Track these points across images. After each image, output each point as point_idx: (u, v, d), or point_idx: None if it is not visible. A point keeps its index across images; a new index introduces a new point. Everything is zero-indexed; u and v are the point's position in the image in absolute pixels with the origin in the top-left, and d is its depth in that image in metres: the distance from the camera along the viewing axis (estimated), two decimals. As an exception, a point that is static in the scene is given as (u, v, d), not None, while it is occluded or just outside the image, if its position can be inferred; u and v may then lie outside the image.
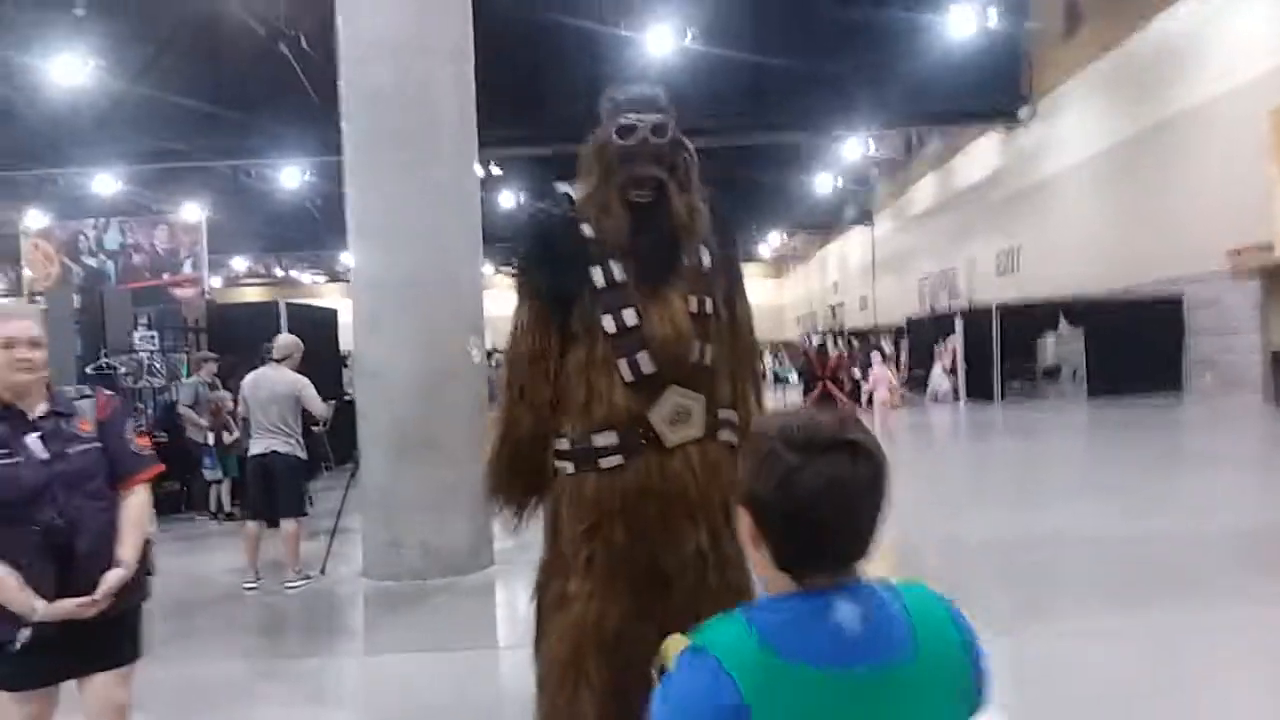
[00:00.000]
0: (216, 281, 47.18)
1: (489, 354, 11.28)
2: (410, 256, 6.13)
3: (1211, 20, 18.32)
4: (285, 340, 6.39)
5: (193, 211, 22.12)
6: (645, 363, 2.64)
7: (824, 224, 43.14)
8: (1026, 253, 26.88)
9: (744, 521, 1.20)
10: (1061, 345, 23.23)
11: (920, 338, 23.02)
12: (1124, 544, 6.62)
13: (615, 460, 2.65)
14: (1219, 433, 14.15)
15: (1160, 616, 4.86)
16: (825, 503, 1.13)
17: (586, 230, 2.72)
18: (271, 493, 6.30)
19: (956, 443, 15.39)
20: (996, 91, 26.01)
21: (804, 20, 22.77)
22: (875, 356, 15.88)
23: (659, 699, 1.17)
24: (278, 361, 6.29)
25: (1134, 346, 19.34)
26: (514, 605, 6.00)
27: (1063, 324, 21.28)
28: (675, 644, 1.22)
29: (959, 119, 27.93)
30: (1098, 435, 14.97)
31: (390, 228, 6.15)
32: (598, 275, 2.69)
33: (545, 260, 2.78)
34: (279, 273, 49.43)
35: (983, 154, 29.67)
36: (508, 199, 30.91)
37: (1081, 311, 20.76)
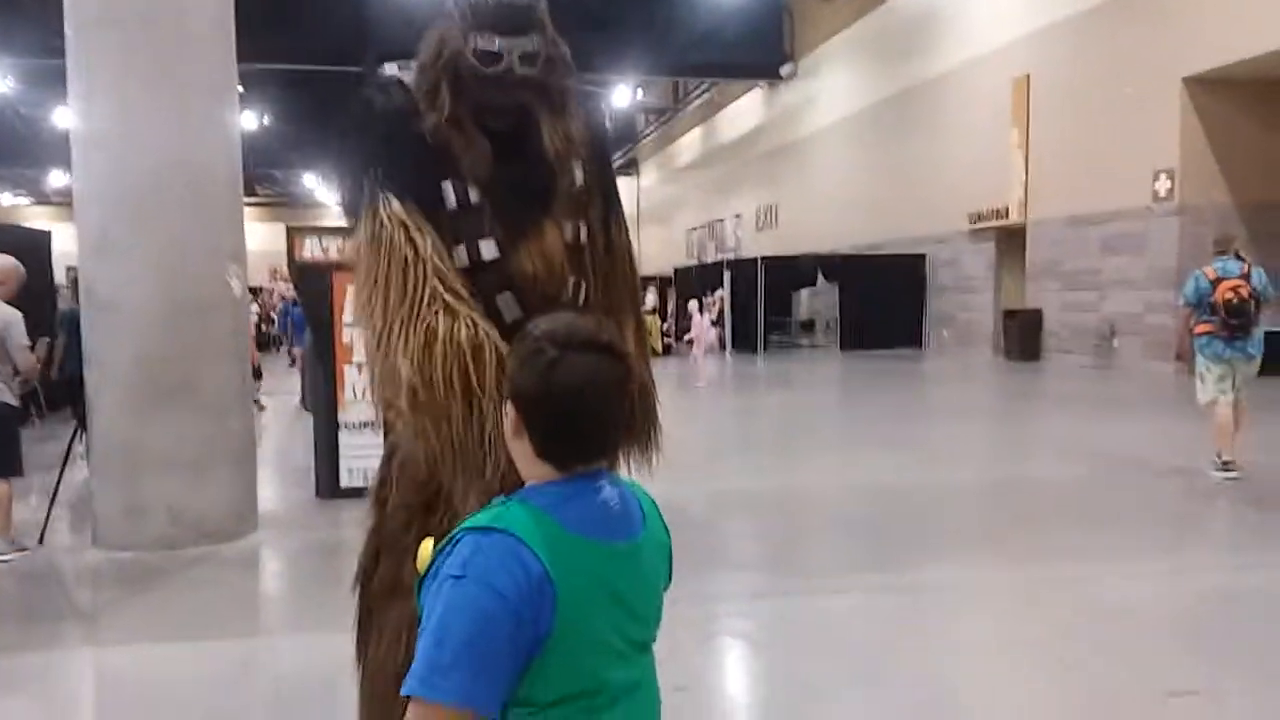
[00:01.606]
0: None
1: (254, 292, 10.09)
2: (150, 165, 5.08)
3: (961, -8, 19.42)
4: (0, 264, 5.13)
5: None
6: (509, 307, 2.10)
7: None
8: (785, 208, 27.87)
9: (509, 416, 1.29)
10: (816, 299, 24.29)
11: (687, 288, 23.29)
12: (884, 496, 6.73)
13: None
14: (961, 384, 15.18)
15: (915, 575, 4.79)
16: (582, 395, 1.24)
17: (429, 137, 2.11)
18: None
19: (725, 394, 15.61)
20: (760, 47, 26.63)
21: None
22: (693, 305, 15.86)
23: (448, 585, 1.19)
24: (-15, 291, 5.06)
25: (882, 302, 20.48)
26: (285, 580, 5.23)
27: (819, 278, 22.19)
28: (429, 549, 1.29)
29: (724, 72, 28.39)
30: (855, 387, 15.65)
31: (125, 130, 5.06)
32: (449, 192, 2.10)
33: (395, 156, 2.11)
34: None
35: (747, 109, 30.37)
36: (250, 120, 28.39)
37: (836, 267, 21.71)
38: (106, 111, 5.10)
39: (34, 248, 9.98)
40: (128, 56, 5.07)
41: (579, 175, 2.23)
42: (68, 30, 5.13)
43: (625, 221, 2.41)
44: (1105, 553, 5.10)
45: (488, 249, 2.10)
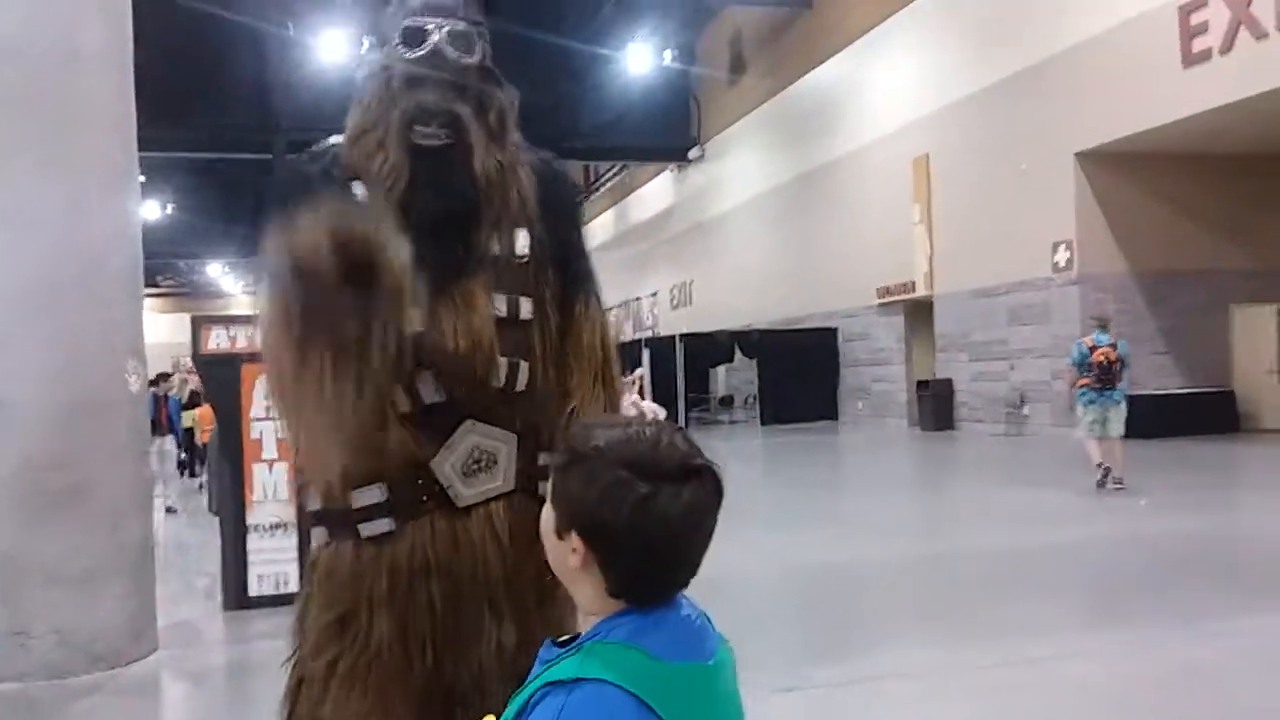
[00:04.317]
0: None
1: (153, 382, 9.55)
2: (41, 253, 4.70)
3: (859, 76, 20.16)
4: None
5: None
6: (429, 388, 1.87)
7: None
8: (699, 286, 28.17)
9: (571, 548, 1.10)
10: (733, 375, 24.42)
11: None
12: (820, 575, 6.57)
13: (383, 525, 1.87)
14: (880, 456, 15.27)
15: (867, 664, 4.58)
16: (681, 532, 1.08)
17: (358, 192, 1.90)
18: None
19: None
20: (669, 131, 27.23)
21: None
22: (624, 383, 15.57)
23: None
24: None
25: (798, 376, 20.69)
26: (190, 706, 4.73)
27: (738, 354, 22.33)
28: None
29: (633, 155, 28.90)
30: (778, 461, 15.62)
31: (12, 215, 4.69)
32: None
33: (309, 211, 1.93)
34: None
35: (658, 190, 30.86)
36: (153, 209, 27.62)
37: (753, 343, 21.90)
38: (-10, 202, 4.72)
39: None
40: (14, 138, 4.72)
41: (523, 241, 1.99)
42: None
43: (599, 295, 2.17)
44: (1059, 627, 4.99)
45: (412, 318, 1.84)
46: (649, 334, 27.07)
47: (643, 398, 21.47)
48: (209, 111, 19.87)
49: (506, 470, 1.94)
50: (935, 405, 17.49)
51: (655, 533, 1.07)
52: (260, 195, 3.00)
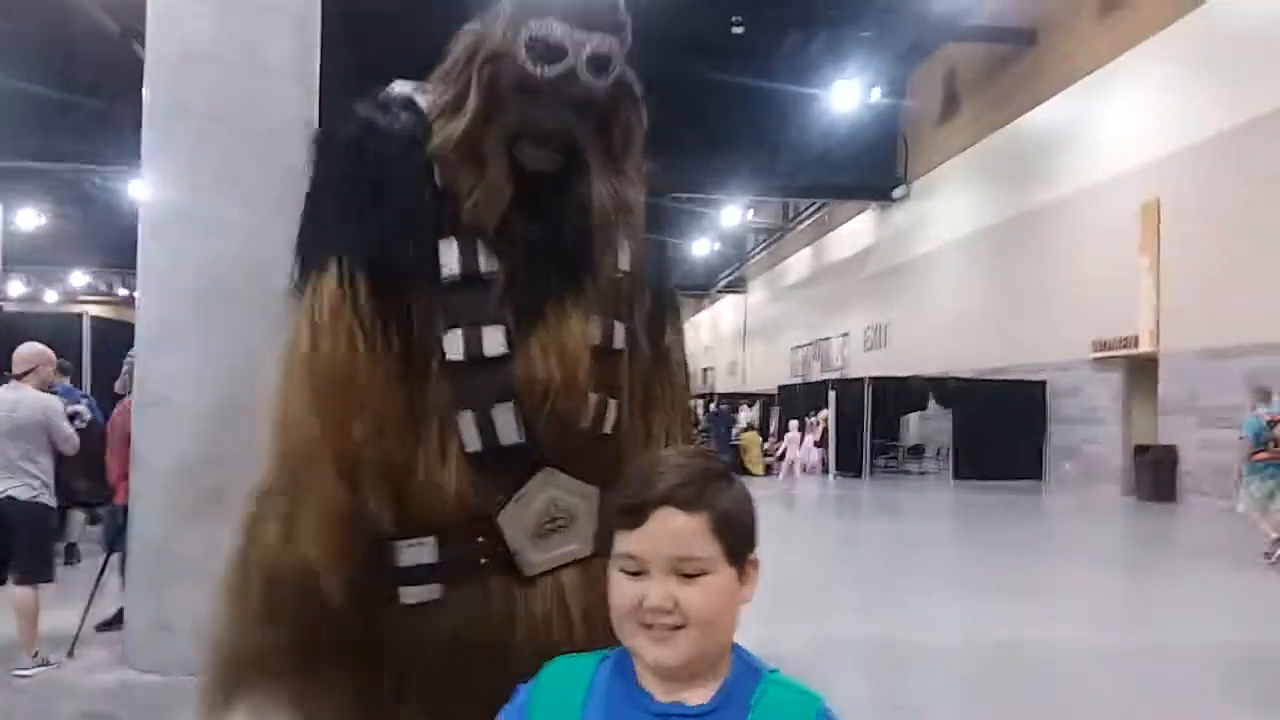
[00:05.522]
0: (51, 296, 43.68)
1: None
2: (216, 252, 4.84)
3: (1084, 116, 18.79)
4: (27, 351, 4.92)
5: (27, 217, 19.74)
6: (507, 425, 1.53)
7: (698, 287, 43.10)
8: (895, 329, 27.08)
9: (747, 571, 1.14)
10: (926, 423, 23.20)
11: (791, 406, 22.56)
12: (1013, 657, 5.86)
13: (427, 592, 1.51)
14: (1087, 524, 13.98)
15: None
16: None
17: (437, 175, 1.56)
18: (5, 549, 4.86)
19: (828, 520, 14.70)
20: (873, 169, 26.44)
21: (687, 80, 22.41)
22: (794, 425, 15.18)
23: None
24: (18, 378, 4.86)
25: (998, 430, 19.39)
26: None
27: (931, 402, 21.21)
28: None
29: (835, 193, 28.26)
30: (970, 520, 14.58)
31: (189, 215, 4.86)
32: (449, 255, 1.54)
33: (368, 200, 1.55)
34: (122, 291, 45.89)
35: (857, 229, 30.01)
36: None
37: (950, 391, 20.74)
38: (170, 205, 4.92)
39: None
40: (198, 140, 4.89)
41: (624, 257, 1.66)
42: (144, 120, 5.02)
43: (682, 330, 1.84)
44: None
45: (492, 341, 1.52)
46: (837, 375, 26.22)
47: (826, 440, 20.75)
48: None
49: (584, 532, 1.58)
50: (1155, 473, 15.88)
51: None
52: (320, 151, 2.73)
